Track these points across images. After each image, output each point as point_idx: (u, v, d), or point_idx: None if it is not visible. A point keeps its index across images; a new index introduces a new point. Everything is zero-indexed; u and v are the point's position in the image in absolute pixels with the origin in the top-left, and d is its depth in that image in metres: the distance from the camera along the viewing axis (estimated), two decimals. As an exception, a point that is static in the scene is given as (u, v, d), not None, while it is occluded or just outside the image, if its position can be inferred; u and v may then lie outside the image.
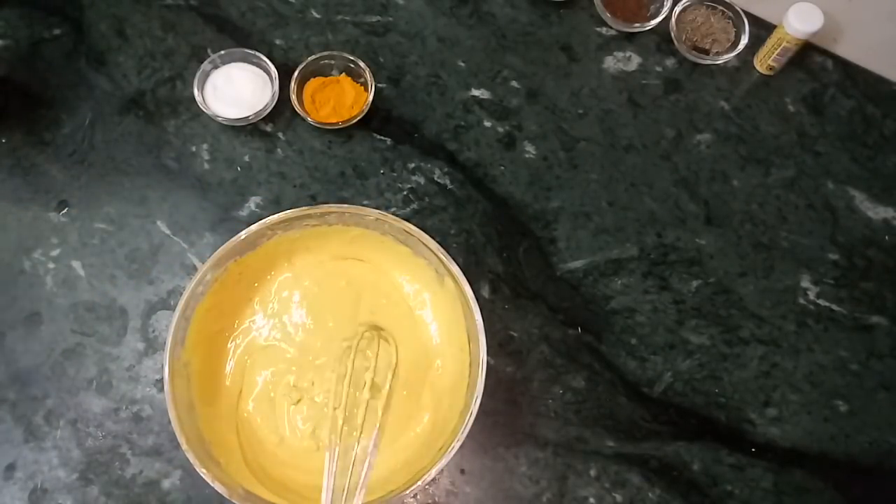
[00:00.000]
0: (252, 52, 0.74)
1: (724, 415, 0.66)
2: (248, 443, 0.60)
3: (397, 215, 0.70)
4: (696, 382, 0.67)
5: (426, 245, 0.59)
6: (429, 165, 0.73)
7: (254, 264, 0.63)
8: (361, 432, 0.58)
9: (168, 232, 0.70)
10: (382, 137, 0.74)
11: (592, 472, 0.64)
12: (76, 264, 0.69)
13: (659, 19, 0.78)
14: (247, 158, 0.73)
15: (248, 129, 0.73)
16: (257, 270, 0.64)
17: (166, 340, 0.56)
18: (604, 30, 0.79)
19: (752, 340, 0.69)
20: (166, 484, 0.63)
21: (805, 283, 0.71)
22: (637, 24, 0.78)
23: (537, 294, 0.69)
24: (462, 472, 0.64)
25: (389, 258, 0.64)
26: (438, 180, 0.72)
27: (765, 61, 0.77)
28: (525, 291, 0.69)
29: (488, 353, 0.66)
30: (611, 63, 0.78)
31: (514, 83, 0.77)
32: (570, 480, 0.64)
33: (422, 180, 0.72)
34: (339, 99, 0.73)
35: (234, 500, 0.53)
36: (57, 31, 0.77)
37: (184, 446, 0.54)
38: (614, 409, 0.66)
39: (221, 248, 0.58)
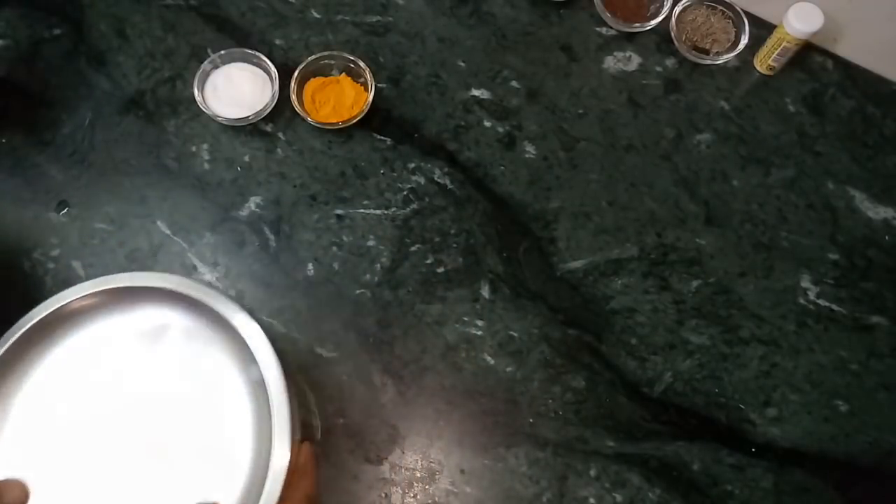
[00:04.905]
0: (252, 52, 0.74)
1: (724, 415, 0.66)
2: None
3: (397, 215, 0.71)
4: (696, 382, 0.67)
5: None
6: (429, 165, 0.73)
7: None
8: None
9: (168, 232, 0.70)
10: (382, 137, 0.74)
11: (592, 472, 0.64)
12: (76, 264, 0.69)
13: (659, 19, 0.78)
14: (247, 158, 0.73)
15: (248, 129, 0.73)
16: None
17: None
18: (604, 30, 0.79)
19: (752, 340, 0.69)
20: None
21: (805, 283, 0.71)
22: (637, 24, 0.78)
23: (537, 294, 0.69)
24: (462, 472, 0.64)
25: None
26: (438, 180, 0.72)
27: (765, 61, 0.77)
28: (525, 291, 0.69)
29: (488, 353, 0.67)
30: (611, 63, 0.78)
31: (514, 83, 0.76)
32: (570, 480, 0.64)
33: (422, 180, 0.72)
34: (339, 99, 0.73)
35: None
36: (57, 31, 0.77)
37: None
38: (614, 409, 0.66)
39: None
